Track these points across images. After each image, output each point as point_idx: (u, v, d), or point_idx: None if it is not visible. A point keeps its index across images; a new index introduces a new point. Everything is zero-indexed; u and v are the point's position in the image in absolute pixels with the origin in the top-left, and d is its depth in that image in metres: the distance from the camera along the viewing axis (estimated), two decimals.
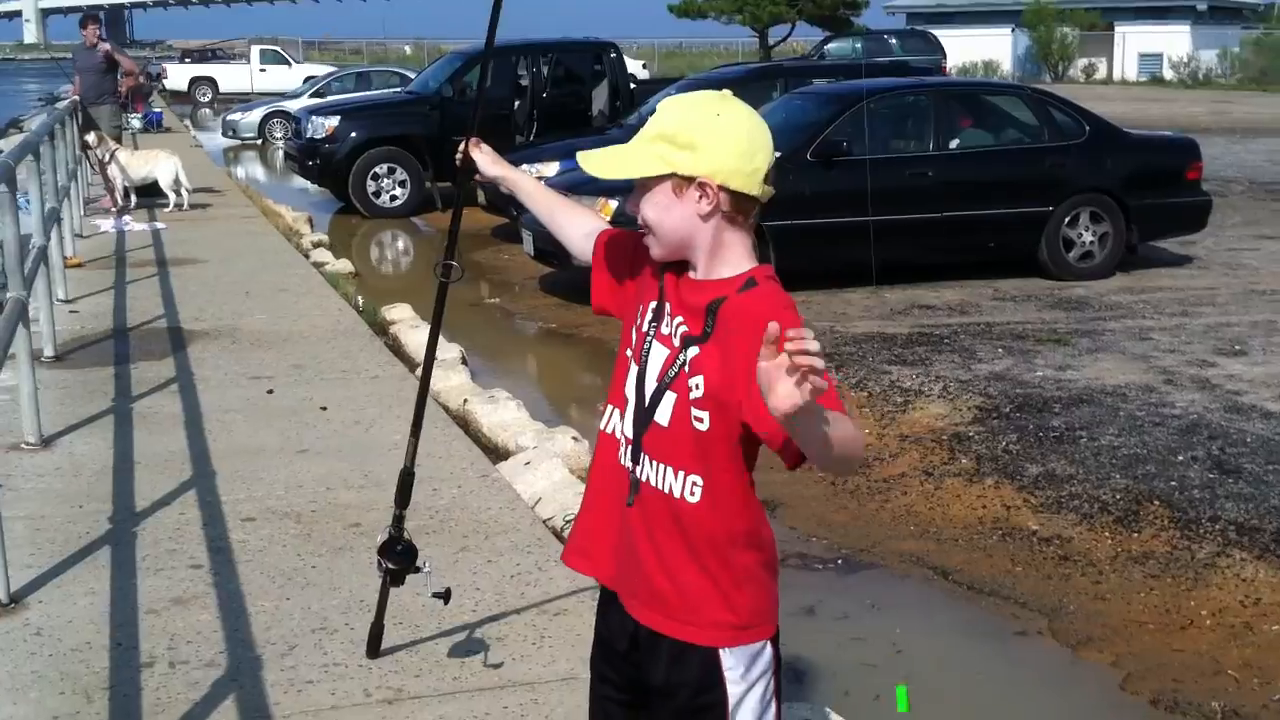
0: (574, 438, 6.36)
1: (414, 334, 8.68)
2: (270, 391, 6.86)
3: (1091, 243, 10.89)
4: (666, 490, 2.16)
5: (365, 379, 7.15)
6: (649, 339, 2.21)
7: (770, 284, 2.15)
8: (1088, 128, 11.16)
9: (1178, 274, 11.27)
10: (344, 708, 3.59)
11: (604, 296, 2.41)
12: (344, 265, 11.73)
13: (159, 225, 13.17)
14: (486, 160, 2.79)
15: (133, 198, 14.15)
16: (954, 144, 11.05)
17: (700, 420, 2.13)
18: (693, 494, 2.15)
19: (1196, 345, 8.50)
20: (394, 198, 16.31)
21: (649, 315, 2.23)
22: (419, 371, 7.72)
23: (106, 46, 14.54)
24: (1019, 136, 11.43)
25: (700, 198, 2.11)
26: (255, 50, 45.04)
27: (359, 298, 9.84)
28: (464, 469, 5.59)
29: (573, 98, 17.39)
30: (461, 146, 2.86)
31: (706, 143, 2.10)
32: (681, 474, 2.15)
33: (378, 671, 3.78)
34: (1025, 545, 5.47)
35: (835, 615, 4.99)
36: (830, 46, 35.36)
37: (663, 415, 2.16)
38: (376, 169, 16.22)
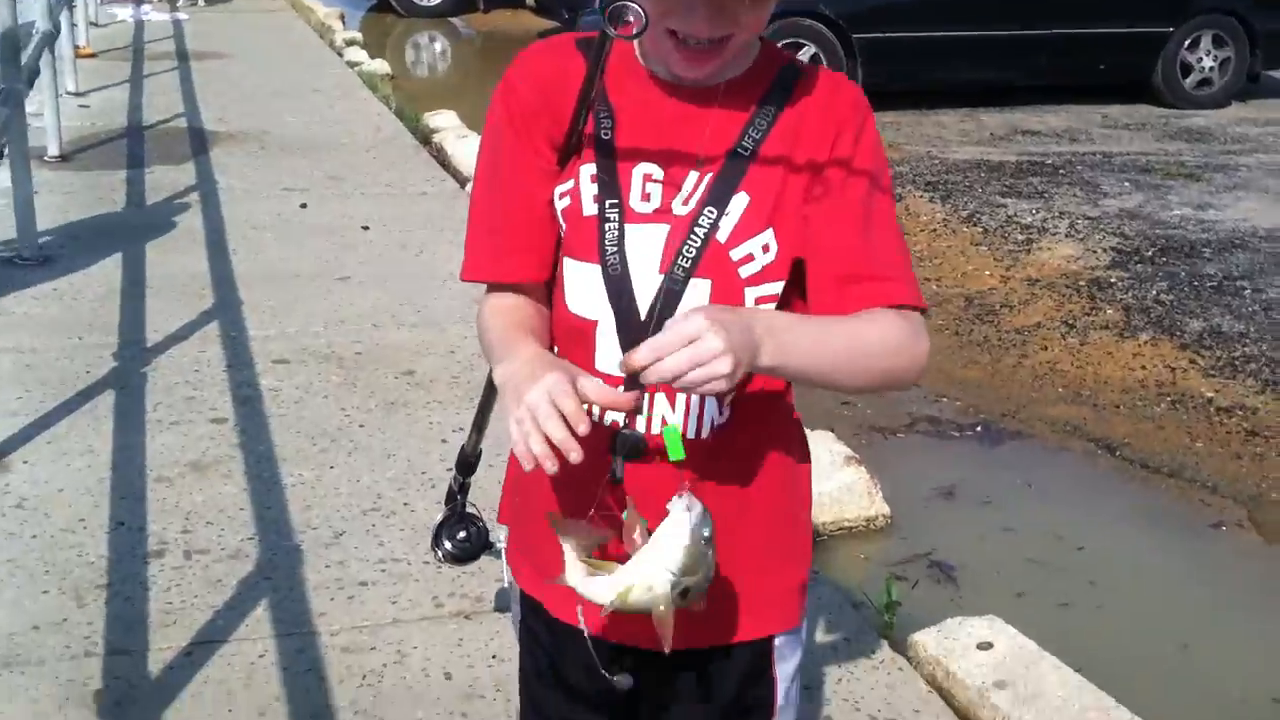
0: None
1: (461, 145, 7.73)
2: (304, 205, 6.02)
3: (1211, 69, 9.86)
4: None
5: (412, 195, 6.27)
6: (615, 225, 1.40)
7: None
8: None
9: None
10: (408, 622, 2.78)
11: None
12: (380, 66, 10.66)
13: (180, 15, 12.26)
14: None
15: None
16: None
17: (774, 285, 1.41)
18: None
19: None
20: None
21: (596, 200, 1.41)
22: (469, 188, 6.86)
23: None
24: None
25: None
26: None
27: (396, 102, 8.85)
28: None
29: None
30: None
31: None
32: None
33: (449, 572, 2.92)
34: (1201, 416, 4.59)
35: (980, 499, 4.12)
36: None
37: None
38: None
